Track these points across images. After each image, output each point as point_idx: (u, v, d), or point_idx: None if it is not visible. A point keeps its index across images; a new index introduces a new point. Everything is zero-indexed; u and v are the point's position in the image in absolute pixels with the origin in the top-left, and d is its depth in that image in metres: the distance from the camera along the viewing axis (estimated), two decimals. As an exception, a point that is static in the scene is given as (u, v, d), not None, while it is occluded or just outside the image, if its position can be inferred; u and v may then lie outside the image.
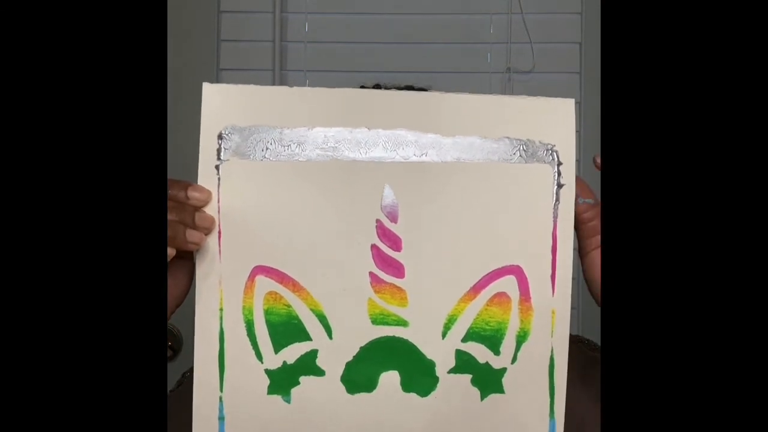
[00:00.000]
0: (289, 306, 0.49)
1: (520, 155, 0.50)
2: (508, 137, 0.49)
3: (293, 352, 0.49)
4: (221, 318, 0.49)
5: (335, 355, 0.49)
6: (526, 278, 0.49)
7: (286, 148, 0.49)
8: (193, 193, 0.50)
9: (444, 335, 0.49)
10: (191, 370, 0.52)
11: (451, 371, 0.49)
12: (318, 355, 0.49)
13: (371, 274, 0.48)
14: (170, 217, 0.49)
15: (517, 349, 0.50)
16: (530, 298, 0.49)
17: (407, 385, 0.49)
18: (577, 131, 1.02)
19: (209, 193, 0.49)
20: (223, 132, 0.49)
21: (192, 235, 0.48)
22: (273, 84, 1.03)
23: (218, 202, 0.49)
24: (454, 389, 0.49)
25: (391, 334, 0.49)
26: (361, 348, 0.49)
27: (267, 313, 0.49)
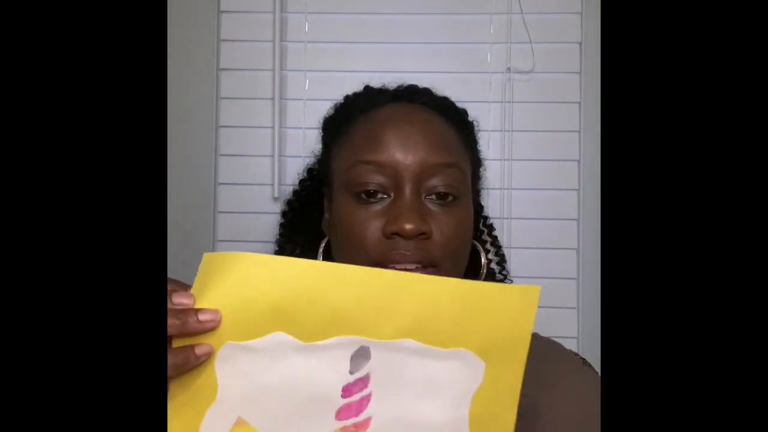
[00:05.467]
0: None
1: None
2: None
3: None
4: None
5: None
6: None
7: None
8: (180, 300, 0.48)
9: None
10: None
11: None
12: None
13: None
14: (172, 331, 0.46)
15: None
16: None
17: None
18: (576, 131, 1.02)
19: (194, 297, 0.48)
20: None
21: (201, 348, 0.47)
22: (273, 83, 1.03)
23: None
24: None
25: None
26: None
27: None
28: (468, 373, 0.49)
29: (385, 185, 0.61)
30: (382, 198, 0.62)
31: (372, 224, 0.61)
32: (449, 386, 0.49)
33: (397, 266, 0.59)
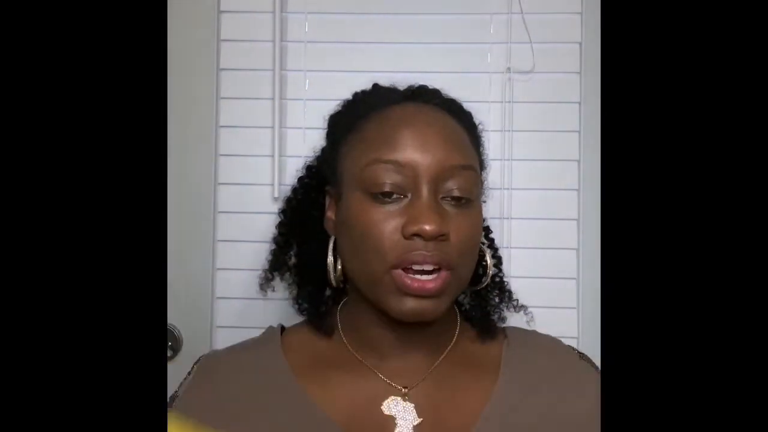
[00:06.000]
0: None
1: None
2: None
3: None
4: None
5: None
6: None
7: None
8: None
9: None
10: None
11: None
12: None
13: None
14: None
15: None
16: None
17: None
18: (576, 131, 1.02)
19: None
20: None
21: None
22: (273, 83, 1.03)
23: None
24: None
25: None
26: None
27: None
28: None
29: (403, 185, 0.61)
30: (398, 198, 0.61)
31: (390, 224, 0.60)
32: None
33: (416, 267, 0.59)
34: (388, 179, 0.61)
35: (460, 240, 0.61)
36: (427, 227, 0.58)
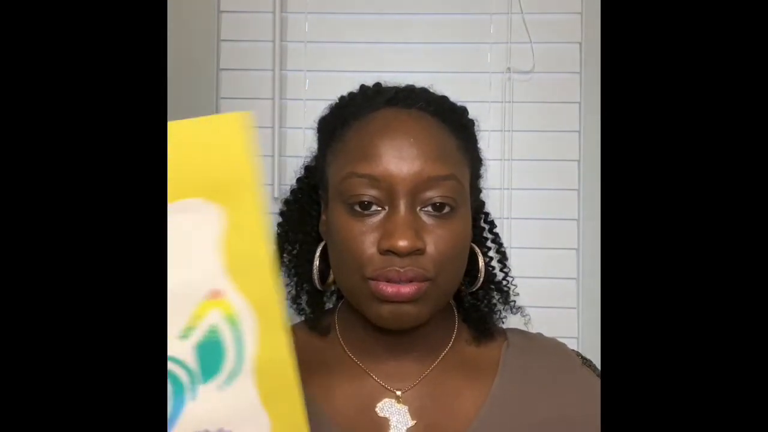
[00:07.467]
0: None
1: None
2: None
3: None
4: None
5: None
6: None
7: None
8: None
9: None
10: None
11: None
12: None
13: None
14: None
15: None
16: None
17: None
18: (576, 131, 1.02)
19: None
20: None
21: None
22: (273, 83, 1.03)
23: None
24: None
25: None
26: None
27: None
28: (202, 223, 0.44)
29: (380, 198, 0.60)
30: (377, 210, 0.61)
31: (367, 239, 0.60)
32: (186, 243, 0.44)
33: (392, 282, 0.59)
34: (364, 193, 0.60)
35: (438, 251, 0.60)
36: (400, 243, 0.58)
